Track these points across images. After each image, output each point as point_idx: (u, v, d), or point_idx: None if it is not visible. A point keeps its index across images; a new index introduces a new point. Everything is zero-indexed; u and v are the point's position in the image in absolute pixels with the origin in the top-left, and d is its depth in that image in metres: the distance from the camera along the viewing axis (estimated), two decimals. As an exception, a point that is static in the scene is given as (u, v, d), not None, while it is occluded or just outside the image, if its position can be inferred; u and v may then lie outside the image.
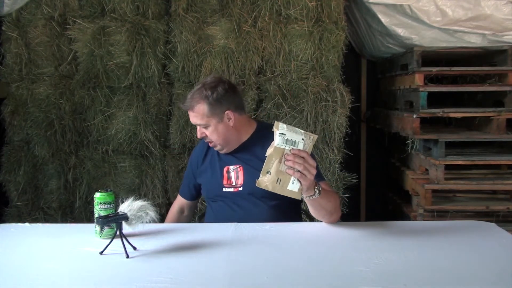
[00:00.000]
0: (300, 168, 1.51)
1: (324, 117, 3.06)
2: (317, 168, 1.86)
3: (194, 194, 2.14)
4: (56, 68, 3.15)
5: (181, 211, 2.18)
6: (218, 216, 1.97)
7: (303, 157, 1.51)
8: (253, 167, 1.89)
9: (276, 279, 1.30)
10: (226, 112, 1.90)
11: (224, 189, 1.95)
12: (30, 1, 3.10)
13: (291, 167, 1.51)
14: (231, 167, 1.95)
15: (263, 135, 1.91)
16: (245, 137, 1.98)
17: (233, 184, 1.94)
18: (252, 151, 1.94)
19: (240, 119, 1.95)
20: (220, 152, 1.98)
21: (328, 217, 1.76)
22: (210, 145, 1.97)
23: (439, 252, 1.51)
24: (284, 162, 1.52)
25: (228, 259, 1.45)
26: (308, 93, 3.04)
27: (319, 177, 1.84)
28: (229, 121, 1.91)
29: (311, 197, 1.62)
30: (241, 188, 1.92)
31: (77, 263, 1.42)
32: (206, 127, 1.90)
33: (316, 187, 1.62)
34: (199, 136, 1.94)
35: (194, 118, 1.90)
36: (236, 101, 1.94)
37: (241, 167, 1.94)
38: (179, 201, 2.18)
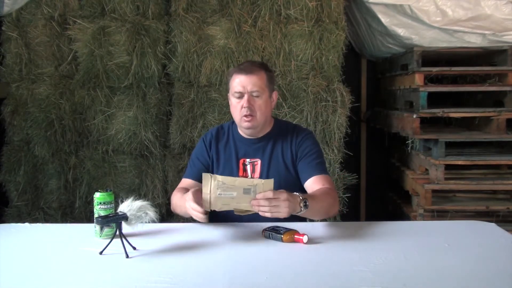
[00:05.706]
0: (266, 209, 1.52)
1: (324, 117, 3.06)
2: (321, 160, 1.92)
3: None
4: (56, 68, 3.16)
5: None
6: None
7: (267, 199, 1.52)
8: (271, 163, 1.90)
9: (276, 279, 1.29)
10: (274, 91, 1.94)
11: None
12: (30, 1, 3.10)
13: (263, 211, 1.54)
14: (247, 160, 1.93)
15: (281, 133, 1.94)
16: (268, 128, 1.95)
17: (249, 177, 1.90)
18: (271, 147, 1.92)
19: (273, 106, 1.97)
20: (251, 129, 1.89)
21: (325, 216, 1.81)
22: (248, 119, 1.85)
23: (439, 252, 1.51)
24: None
25: (228, 259, 1.45)
26: (308, 93, 3.03)
27: (321, 170, 1.88)
28: (272, 102, 1.93)
29: (299, 213, 1.63)
30: None
31: (77, 263, 1.42)
32: (258, 96, 1.85)
33: (302, 203, 1.61)
34: (246, 104, 1.83)
35: (250, 84, 1.83)
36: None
37: (257, 162, 1.92)
38: (186, 184, 1.95)
